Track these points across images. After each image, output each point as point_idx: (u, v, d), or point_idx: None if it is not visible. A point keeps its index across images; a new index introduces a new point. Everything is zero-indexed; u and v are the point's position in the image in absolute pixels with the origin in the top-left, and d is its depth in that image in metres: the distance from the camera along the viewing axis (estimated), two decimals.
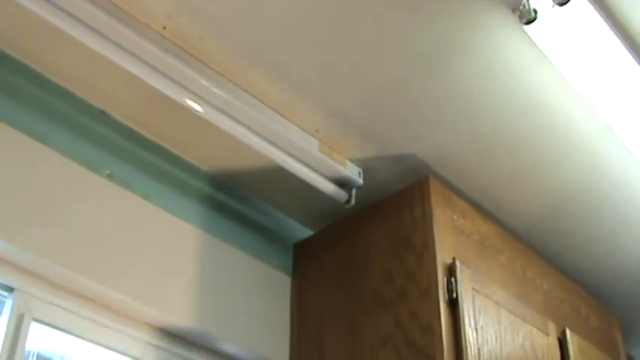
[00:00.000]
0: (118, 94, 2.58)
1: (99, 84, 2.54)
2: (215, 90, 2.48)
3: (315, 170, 2.81)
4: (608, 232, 3.40)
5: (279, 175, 2.82)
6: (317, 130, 2.78)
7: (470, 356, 2.53)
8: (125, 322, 2.52)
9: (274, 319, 2.93)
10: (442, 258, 2.69)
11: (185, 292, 2.63)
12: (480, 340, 2.62)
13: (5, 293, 2.30)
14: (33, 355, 2.38)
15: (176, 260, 2.66)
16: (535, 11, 2.29)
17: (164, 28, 2.38)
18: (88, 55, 2.31)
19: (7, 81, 2.40)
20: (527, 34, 2.39)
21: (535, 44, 2.42)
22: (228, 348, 2.76)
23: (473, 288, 2.71)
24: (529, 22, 2.31)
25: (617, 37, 2.39)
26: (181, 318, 2.59)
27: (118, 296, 2.44)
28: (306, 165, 2.78)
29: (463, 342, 2.54)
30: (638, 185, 3.12)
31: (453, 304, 2.62)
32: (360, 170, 2.93)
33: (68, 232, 2.37)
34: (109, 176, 2.55)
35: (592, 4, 2.28)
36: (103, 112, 2.62)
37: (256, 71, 2.54)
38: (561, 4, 2.24)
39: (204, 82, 2.46)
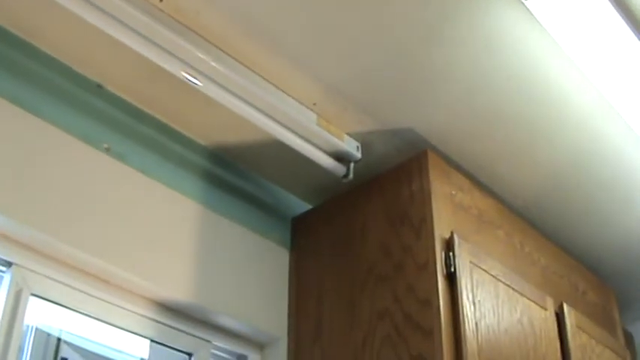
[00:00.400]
0: (115, 67, 2.57)
1: (96, 57, 2.53)
2: (213, 63, 2.47)
3: (313, 144, 2.81)
4: (606, 208, 3.40)
5: (277, 149, 2.81)
6: (315, 104, 2.77)
7: (467, 330, 2.54)
8: (123, 297, 2.53)
9: (272, 294, 2.94)
10: (440, 232, 2.69)
11: (183, 266, 2.64)
12: (477, 314, 2.63)
13: (3, 268, 2.30)
14: (31, 330, 2.39)
15: (174, 234, 2.66)
16: None
17: (161, 1, 2.37)
18: (85, 28, 2.29)
19: (2, 54, 2.39)
20: (526, 7, 2.38)
21: (534, 17, 2.41)
22: (226, 322, 2.76)
23: (471, 262, 2.71)
24: None
25: (617, 10, 2.38)
26: (179, 292, 2.59)
27: (116, 270, 2.44)
28: (304, 139, 2.77)
29: (461, 316, 2.55)
30: (635, 161, 3.11)
31: (451, 278, 2.62)
32: (359, 144, 2.92)
33: (66, 206, 2.37)
34: (107, 150, 2.54)
35: None
36: (99, 86, 2.61)
37: (254, 45, 2.53)
38: None
39: (202, 56, 2.45)
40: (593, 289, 3.55)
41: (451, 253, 2.65)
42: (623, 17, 2.40)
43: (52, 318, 2.45)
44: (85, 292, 2.44)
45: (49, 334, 2.47)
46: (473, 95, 2.77)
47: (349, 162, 2.91)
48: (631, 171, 3.17)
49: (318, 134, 2.78)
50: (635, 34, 2.47)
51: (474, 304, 2.64)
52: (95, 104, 2.59)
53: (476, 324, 2.60)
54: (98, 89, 2.61)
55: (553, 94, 2.78)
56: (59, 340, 2.50)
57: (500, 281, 2.83)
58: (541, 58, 2.63)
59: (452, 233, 2.70)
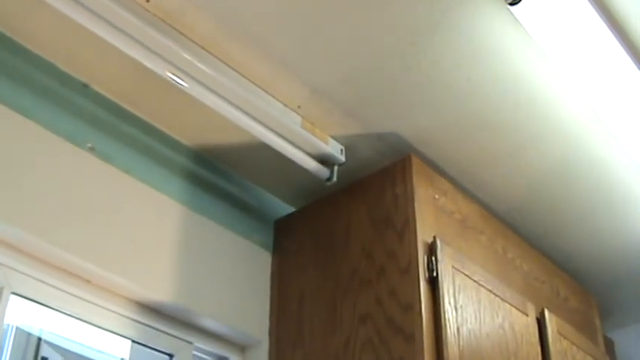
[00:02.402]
0: (102, 67, 2.56)
1: (82, 57, 2.52)
2: (198, 64, 2.47)
3: (297, 147, 2.80)
4: (588, 215, 3.42)
5: (261, 151, 2.81)
6: (300, 107, 2.77)
7: (449, 335, 2.54)
8: (105, 297, 2.52)
9: (254, 296, 2.93)
10: (423, 236, 2.70)
11: (165, 267, 2.63)
12: (459, 318, 2.63)
13: None
14: (12, 329, 2.38)
15: (157, 235, 2.66)
16: None
17: (148, 1, 2.37)
18: (72, 27, 2.28)
19: None
20: (512, 15, 2.38)
21: (521, 24, 2.42)
22: (208, 323, 2.76)
23: (453, 267, 2.71)
24: (515, 3, 2.31)
25: (602, 19, 2.39)
26: (161, 293, 2.59)
27: (98, 270, 2.43)
28: (289, 141, 2.77)
29: (442, 320, 2.55)
30: (618, 168, 3.13)
31: (433, 283, 2.62)
32: (343, 148, 2.92)
33: (49, 205, 2.36)
34: (91, 149, 2.54)
35: None
36: (85, 85, 2.60)
37: (240, 47, 2.53)
38: None
39: (188, 57, 2.44)
40: (574, 295, 3.56)
41: (434, 258, 2.66)
42: (608, 25, 2.41)
43: (32, 317, 2.44)
44: (66, 292, 2.42)
45: (29, 334, 2.47)
46: (458, 101, 2.77)
47: (333, 165, 2.91)
48: (615, 179, 3.18)
49: (303, 137, 2.78)
50: (620, 43, 2.48)
51: (456, 308, 2.64)
52: (81, 103, 2.58)
53: (457, 329, 2.60)
54: (84, 89, 2.60)
55: (538, 101, 2.78)
56: (40, 339, 2.49)
57: (483, 286, 2.83)
58: (527, 65, 2.64)
59: (434, 238, 2.71)
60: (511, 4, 2.31)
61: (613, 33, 2.45)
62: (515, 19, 2.40)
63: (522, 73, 2.67)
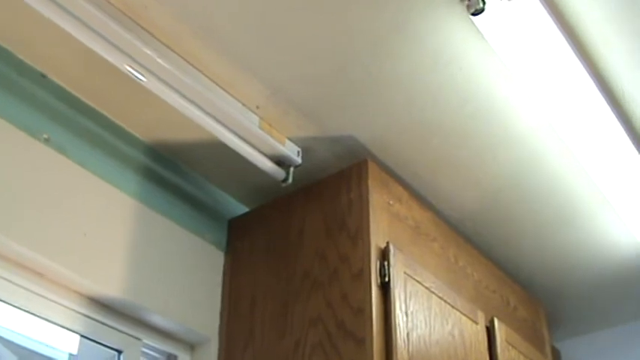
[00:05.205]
0: (60, 58, 2.54)
1: (41, 47, 2.50)
2: (158, 60, 2.46)
3: (254, 147, 2.80)
4: (540, 227, 3.45)
5: (217, 150, 2.80)
6: (258, 107, 2.77)
7: (399, 340, 2.55)
8: (55, 290, 2.49)
9: (206, 294, 2.92)
10: (376, 242, 2.70)
11: (116, 262, 2.61)
12: (409, 324, 2.64)
13: None
14: None
15: (109, 230, 2.63)
16: (483, 2, 2.29)
17: None
18: (31, 16, 2.26)
19: None
20: (474, 25, 2.40)
21: (482, 35, 2.43)
22: (158, 320, 2.74)
23: (405, 273, 2.72)
24: (477, 13, 2.32)
25: (562, 34, 2.42)
26: (111, 288, 2.57)
27: (49, 263, 2.41)
28: (246, 141, 2.76)
29: (393, 325, 2.56)
30: (571, 182, 3.16)
31: (385, 288, 2.63)
32: (299, 149, 2.92)
33: (1, 195, 2.33)
34: (46, 141, 2.51)
35: (540, 0, 2.30)
36: (43, 76, 2.57)
37: (201, 43, 2.52)
38: None
39: (148, 51, 2.43)
40: (523, 305, 3.59)
41: (386, 263, 2.66)
42: (568, 41, 2.44)
43: None
44: (16, 284, 2.39)
45: None
46: (416, 107, 2.78)
47: (289, 166, 2.91)
48: (567, 193, 3.22)
49: (260, 137, 2.77)
50: (579, 59, 2.51)
51: (407, 314, 2.65)
52: (38, 94, 2.55)
53: (407, 334, 2.61)
54: (42, 79, 2.57)
55: (496, 111, 2.80)
56: None
57: (434, 293, 2.85)
58: (486, 76, 2.66)
59: (388, 243, 2.71)
60: (473, 14, 2.32)
61: (572, 49, 2.47)
62: (477, 29, 2.41)
63: (482, 83, 2.69)
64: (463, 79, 2.67)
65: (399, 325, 2.58)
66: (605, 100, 2.68)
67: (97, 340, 2.62)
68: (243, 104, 2.74)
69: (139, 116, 2.78)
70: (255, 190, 3.11)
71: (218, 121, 2.67)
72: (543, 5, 2.31)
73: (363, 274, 2.63)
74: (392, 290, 2.62)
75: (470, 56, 2.59)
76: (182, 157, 2.97)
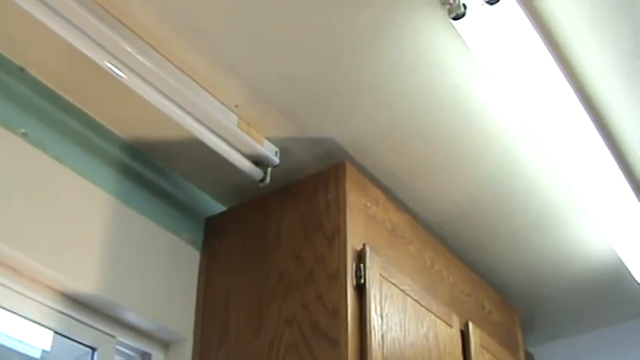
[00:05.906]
0: (40, 52, 2.52)
1: (20, 40, 2.48)
2: (138, 57, 2.45)
3: (232, 146, 2.79)
4: (516, 231, 3.46)
5: (195, 149, 2.79)
6: (237, 106, 2.76)
7: (374, 342, 2.55)
8: (29, 286, 2.47)
9: (181, 293, 2.92)
10: (352, 243, 2.71)
11: (92, 259, 2.60)
12: (384, 326, 2.64)
13: None
14: None
15: (85, 226, 2.62)
16: (465, 6, 2.30)
17: None
18: (11, 9, 2.25)
19: None
20: (455, 29, 2.40)
21: (463, 39, 2.44)
22: (132, 318, 2.73)
23: (381, 275, 2.73)
24: (458, 18, 2.32)
25: (542, 39, 2.42)
26: (86, 284, 2.55)
27: (23, 259, 2.39)
28: (224, 140, 2.76)
29: (368, 327, 2.56)
30: (548, 187, 3.17)
31: (360, 290, 2.63)
32: (277, 150, 2.92)
33: None
34: (24, 135, 2.50)
35: (520, 6, 2.31)
36: (22, 70, 2.56)
37: (182, 42, 2.51)
38: (491, 4, 2.26)
39: (128, 48, 2.42)
40: (498, 309, 3.60)
41: (362, 265, 2.67)
42: (547, 47, 2.45)
43: None
44: None
45: None
46: (395, 110, 2.79)
47: (267, 166, 2.91)
48: (544, 197, 3.23)
49: (238, 136, 2.77)
50: (557, 63, 2.51)
51: (382, 316, 2.65)
52: (16, 87, 2.53)
53: (382, 336, 2.61)
54: (21, 73, 2.56)
55: (475, 115, 2.81)
56: None
57: (409, 296, 2.85)
58: (466, 79, 2.67)
59: (364, 245, 2.72)
60: (454, 18, 2.33)
61: (552, 55, 2.48)
62: (458, 33, 2.42)
63: (461, 87, 2.70)
64: (442, 83, 2.68)
65: (374, 327, 2.59)
66: (583, 106, 2.69)
67: (71, 336, 2.61)
68: (222, 103, 2.74)
69: (117, 113, 2.77)
70: (233, 189, 3.10)
71: (197, 120, 2.66)
72: (524, 11, 2.32)
73: (338, 276, 2.64)
74: (367, 292, 2.63)
75: (450, 60, 2.59)
76: (160, 154, 2.96)
